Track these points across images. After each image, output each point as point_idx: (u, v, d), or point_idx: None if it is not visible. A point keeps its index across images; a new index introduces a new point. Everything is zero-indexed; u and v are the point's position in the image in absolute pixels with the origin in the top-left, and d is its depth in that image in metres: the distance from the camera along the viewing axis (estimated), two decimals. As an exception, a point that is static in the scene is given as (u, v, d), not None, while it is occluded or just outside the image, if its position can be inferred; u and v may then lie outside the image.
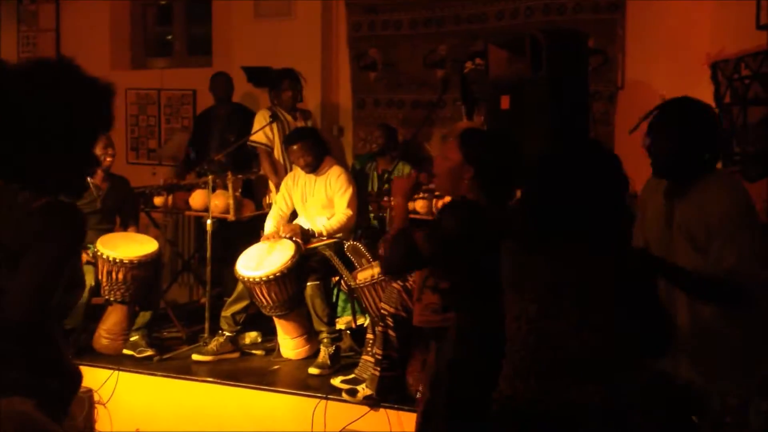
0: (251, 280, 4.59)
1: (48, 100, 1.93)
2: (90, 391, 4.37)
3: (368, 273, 4.41)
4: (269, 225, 5.03)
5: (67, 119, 1.95)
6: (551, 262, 2.14)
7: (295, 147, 4.91)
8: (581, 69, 4.25)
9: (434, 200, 4.84)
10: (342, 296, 5.22)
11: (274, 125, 5.55)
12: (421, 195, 4.96)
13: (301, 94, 5.66)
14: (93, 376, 4.43)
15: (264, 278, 4.55)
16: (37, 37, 7.87)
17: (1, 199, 1.96)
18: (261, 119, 5.59)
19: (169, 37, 7.78)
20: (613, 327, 2.09)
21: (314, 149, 4.91)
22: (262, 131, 5.52)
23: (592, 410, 2.07)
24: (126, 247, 4.81)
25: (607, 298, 2.09)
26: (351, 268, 4.61)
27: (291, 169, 5.26)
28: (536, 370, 2.11)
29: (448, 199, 4.62)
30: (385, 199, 4.83)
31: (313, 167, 4.93)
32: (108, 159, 4.99)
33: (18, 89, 1.94)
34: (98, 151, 4.66)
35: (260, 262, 4.67)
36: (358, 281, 4.44)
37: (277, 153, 5.62)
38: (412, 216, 4.90)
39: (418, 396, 3.48)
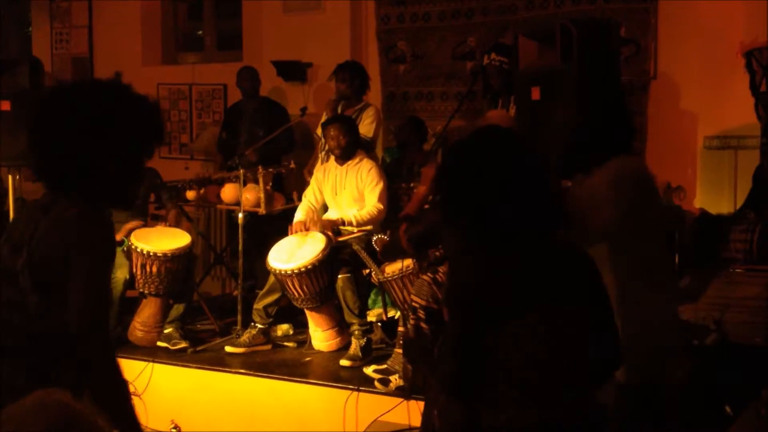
0: (283, 272, 4.62)
1: (99, 114, 2.02)
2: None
3: (396, 266, 4.42)
4: (298, 216, 5.05)
5: (118, 133, 2.03)
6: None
7: (331, 127, 4.94)
8: (613, 59, 4.21)
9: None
10: (373, 288, 5.23)
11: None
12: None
13: (356, 87, 5.56)
14: (128, 368, 4.48)
15: (295, 271, 4.57)
16: (70, 34, 7.98)
17: (31, 215, 2.05)
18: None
19: (200, 32, 7.84)
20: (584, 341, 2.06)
21: (349, 135, 4.93)
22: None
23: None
24: (159, 240, 4.87)
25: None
26: (380, 261, 4.62)
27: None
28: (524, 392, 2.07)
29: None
30: (415, 191, 4.83)
31: (345, 153, 4.94)
32: None
33: (73, 104, 2.03)
34: None
35: (291, 254, 4.70)
36: (386, 274, 4.45)
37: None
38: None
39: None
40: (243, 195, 5.14)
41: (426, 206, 3.86)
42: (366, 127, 5.42)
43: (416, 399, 3.94)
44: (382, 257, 4.53)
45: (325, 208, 5.17)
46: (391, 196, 5.05)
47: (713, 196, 5.17)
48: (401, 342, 4.25)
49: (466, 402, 2.04)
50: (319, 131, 5.54)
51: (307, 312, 4.84)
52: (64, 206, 2.01)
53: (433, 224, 2.59)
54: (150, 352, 4.74)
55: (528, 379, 2.00)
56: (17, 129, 4.93)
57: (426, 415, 2.87)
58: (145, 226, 5.11)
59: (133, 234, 4.85)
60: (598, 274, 2.14)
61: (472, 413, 2.01)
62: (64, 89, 2.12)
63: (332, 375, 4.43)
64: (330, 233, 4.81)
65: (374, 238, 4.67)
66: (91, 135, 2.00)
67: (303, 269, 4.58)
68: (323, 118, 5.51)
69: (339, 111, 5.50)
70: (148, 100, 2.14)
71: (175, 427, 4.46)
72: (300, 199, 5.26)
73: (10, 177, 5.16)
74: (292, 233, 4.90)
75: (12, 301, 2.00)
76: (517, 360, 2.00)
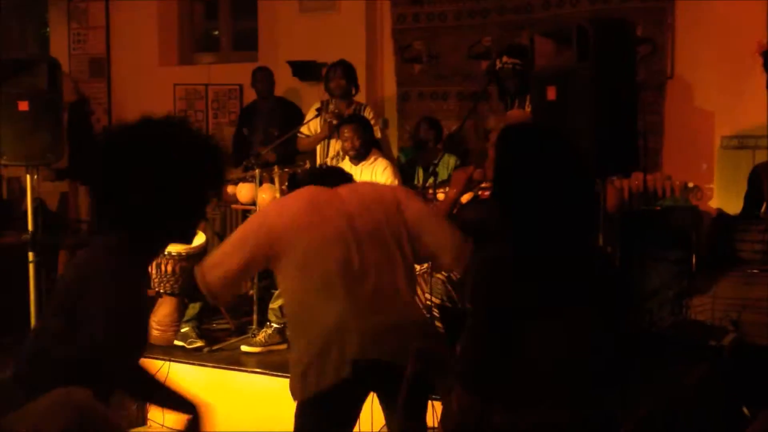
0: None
1: (170, 155, 2.03)
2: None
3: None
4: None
5: (182, 174, 2.04)
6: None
7: (346, 128, 4.96)
8: (629, 58, 4.19)
9: (480, 192, 4.82)
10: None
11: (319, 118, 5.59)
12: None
13: (352, 85, 5.62)
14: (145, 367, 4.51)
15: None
16: (87, 35, 8.03)
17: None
18: (312, 112, 5.64)
19: (216, 32, 7.87)
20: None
21: (364, 135, 4.94)
22: (307, 124, 5.57)
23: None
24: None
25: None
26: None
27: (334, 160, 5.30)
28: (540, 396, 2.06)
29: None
30: (431, 191, 4.83)
31: (360, 154, 4.95)
32: None
33: (140, 148, 2.03)
34: None
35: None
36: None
37: (319, 146, 5.66)
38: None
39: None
40: (259, 195, 5.15)
41: (455, 210, 3.85)
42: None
43: (433, 399, 3.93)
44: None
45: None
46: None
47: (730, 196, 5.14)
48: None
49: (482, 399, 2.04)
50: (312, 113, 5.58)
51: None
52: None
53: (473, 222, 2.59)
54: (166, 351, 4.76)
55: (545, 379, 2.00)
56: (35, 129, 4.98)
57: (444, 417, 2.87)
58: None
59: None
60: (622, 278, 2.13)
61: (486, 411, 2.01)
62: (127, 131, 2.10)
63: (348, 374, 4.42)
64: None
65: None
66: (163, 179, 2.02)
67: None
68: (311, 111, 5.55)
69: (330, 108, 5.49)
70: (210, 141, 2.16)
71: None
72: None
73: (28, 177, 5.18)
74: None
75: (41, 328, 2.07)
76: (536, 360, 2.00)
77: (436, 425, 3.82)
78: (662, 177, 4.83)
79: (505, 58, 5.05)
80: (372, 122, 5.42)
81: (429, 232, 2.72)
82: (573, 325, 2.01)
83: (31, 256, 5.08)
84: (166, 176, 2.02)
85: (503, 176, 2.13)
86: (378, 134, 5.46)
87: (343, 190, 2.79)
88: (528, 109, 4.77)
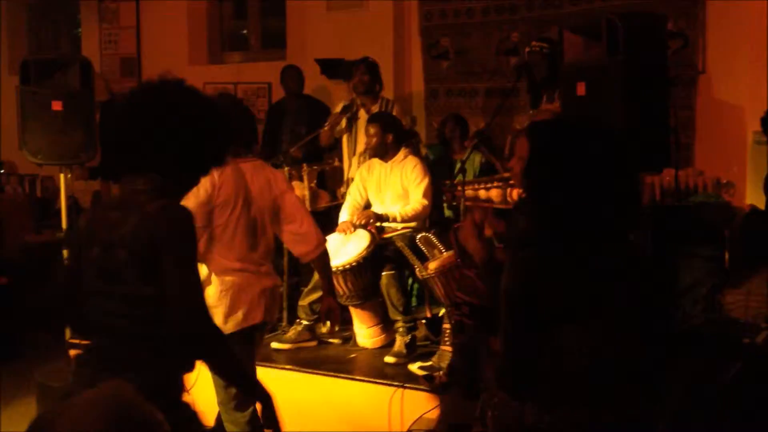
0: (327, 269, 4.65)
1: (190, 113, 2.23)
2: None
3: (440, 262, 4.42)
4: (344, 215, 5.08)
5: (204, 128, 2.24)
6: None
7: (371, 126, 4.95)
8: (660, 53, 4.16)
9: (508, 189, 4.81)
10: (417, 286, 5.24)
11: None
12: (494, 184, 4.94)
13: (376, 82, 5.63)
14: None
15: (340, 268, 4.60)
16: (118, 35, 8.13)
17: (112, 215, 2.20)
18: (335, 112, 5.66)
19: (245, 31, 7.92)
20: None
21: (391, 133, 4.93)
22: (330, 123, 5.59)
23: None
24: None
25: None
26: (423, 259, 4.62)
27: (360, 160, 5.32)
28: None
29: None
30: (459, 189, 4.82)
31: (384, 152, 4.94)
32: None
33: (161, 102, 2.22)
34: None
35: (336, 252, 4.72)
36: (429, 271, 4.45)
37: (345, 142, 5.68)
38: (487, 205, 4.89)
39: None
40: (288, 192, 5.17)
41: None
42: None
43: (461, 396, 3.94)
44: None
45: (369, 206, 5.19)
46: (435, 193, 5.05)
47: (762, 192, 5.07)
48: (445, 339, 4.25)
49: (518, 399, 2.03)
50: (338, 108, 5.60)
51: (351, 309, 4.86)
52: (146, 201, 2.15)
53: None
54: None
55: (581, 380, 1.99)
56: (69, 128, 5.05)
57: (482, 415, 2.87)
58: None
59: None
60: (659, 278, 2.11)
61: (522, 411, 2.01)
62: (149, 89, 2.27)
63: (377, 372, 4.45)
64: (374, 230, 4.82)
65: (418, 236, 4.67)
66: (179, 128, 2.19)
67: (347, 266, 4.61)
68: (338, 108, 5.57)
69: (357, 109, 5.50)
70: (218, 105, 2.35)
71: None
72: (344, 197, 5.29)
73: (62, 176, 5.26)
74: (338, 232, 4.93)
75: (125, 294, 2.13)
76: (569, 361, 1.98)
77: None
78: (694, 173, 4.78)
79: (533, 43, 5.05)
80: (402, 120, 5.44)
81: None
82: (609, 325, 1.98)
83: (65, 253, 5.15)
84: (188, 124, 2.20)
85: (536, 173, 2.10)
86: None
87: None
88: (557, 104, 4.75)
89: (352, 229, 4.87)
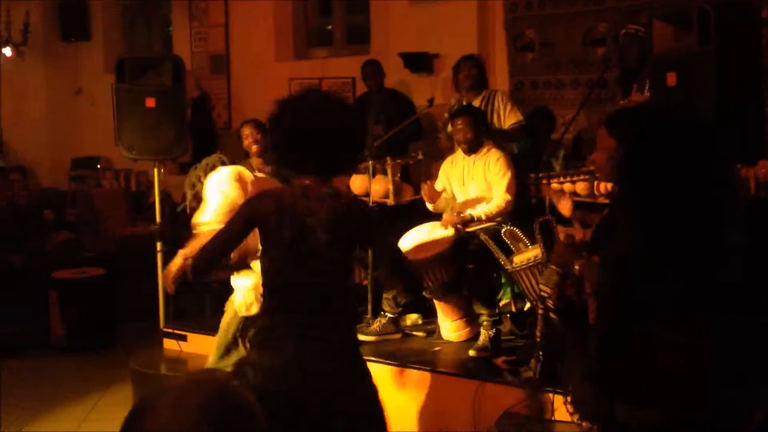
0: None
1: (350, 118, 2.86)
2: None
3: (525, 256, 4.39)
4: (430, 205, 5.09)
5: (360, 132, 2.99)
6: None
7: (458, 121, 4.95)
8: (754, 42, 4.02)
9: (595, 182, 4.73)
10: (503, 280, 5.22)
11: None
12: (581, 177, 4.87)
13: (478, 77, 5.52)
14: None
15: (424, 261, 4.62)
16: (207, 33, 8.34)
17: (304, 203, 2.73)
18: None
19: (329, 27, 8.01)
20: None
21: (476, 127, 4.91)
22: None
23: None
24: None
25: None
26: (508, 252, 4.59)
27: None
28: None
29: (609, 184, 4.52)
30: (545, 182, 4.78)
31: (471, 146, 4.93)
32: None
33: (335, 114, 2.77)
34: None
35: (420, 245, 4.74)
36: (514, 265, 4.43)
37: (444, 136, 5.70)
38: (573, 199, 4.82)
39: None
40: (372, 186, 5.22)
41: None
42: (512, 114, 5.41)
43: (546, 391, 3.91)
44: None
45: (453, 199, 5.19)
46: (520, 187, 5.02)
47: None
48: (530, 333, 4.22)
49: (608, 396, 2.00)
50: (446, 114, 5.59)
51: (435, 302, 4.88)
52: (328, 194, 2.73)
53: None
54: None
55: (672, 378, 1.95)
56: (162, 124, 5.22)
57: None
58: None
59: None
60: (754, 277, 2.05)
61: (612, 408, 1.98)
62: (332, 100, 2.86)
63: (461, 365, 4.45)
64: (459, 225, 4.82)
65: (503, 229, 4.65)
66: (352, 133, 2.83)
67: (432, 260, 4.62)
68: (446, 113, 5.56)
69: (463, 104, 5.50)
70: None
71: None
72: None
73: (156, 170, 5.44)
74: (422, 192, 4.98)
75: (323, 270, 2.71)
76: (664, 358, 1.94)
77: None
78: (791, 165, 4.60)
79: (629, 25, 4.97)
80: (510, 107, 5.41)
81: None
82: (702, 324, 1.94)
83: (159, 245, 5.34)
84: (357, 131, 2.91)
85: (629, 166, 2.04)
86: (519, 116, 5.44)
87: None
88: (647, 95, 4.65)
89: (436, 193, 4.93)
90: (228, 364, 3.97)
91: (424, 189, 4.96)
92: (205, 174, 4.08)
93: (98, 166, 8.79)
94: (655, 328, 1.94)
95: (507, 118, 5.38)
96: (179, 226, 4.67)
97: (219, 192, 3.75)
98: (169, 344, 5.29)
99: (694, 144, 1.98)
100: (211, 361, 4.07)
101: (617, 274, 2.00)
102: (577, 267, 3.27)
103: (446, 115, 5.64)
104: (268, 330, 2.75)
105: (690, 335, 1.94)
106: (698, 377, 1.95)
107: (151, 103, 5.19)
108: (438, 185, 5.15)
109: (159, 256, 5.33)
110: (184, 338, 5.21)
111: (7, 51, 7.90)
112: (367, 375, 2.87)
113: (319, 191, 2.72)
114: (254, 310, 3.83)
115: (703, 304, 1.95)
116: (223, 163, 4.19)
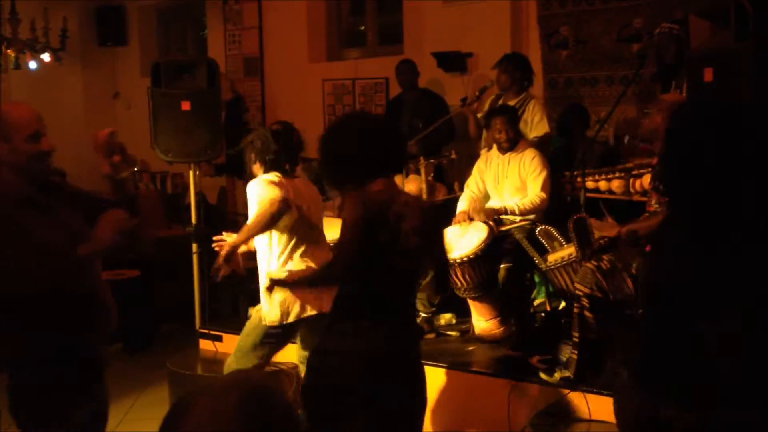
0: (445, 262, 4.66)
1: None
2: (296, 367, 4.63)
3: (559, 255, 4.36)
4: (461, 206, 5.08)
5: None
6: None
7: (497, 120, 4.93)
8: (794, 36, 3.95)
9: (631, 180, 4.69)
10: (536, 279, 5.19)
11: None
12: (616, 175, 4.82)
13: (524, 78, 5.50)
14: (291, 355, 4.68)
15: (458, 260, 4.61)
16: (241, 35, 8.40)
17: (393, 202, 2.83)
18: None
19: (362, 27, 8.03)
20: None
21: (513, 126, 4.89)
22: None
23: None
24: (325, 230, 5.04)
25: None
26: (543, 252, 4.57)
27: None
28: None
29: (646, 179, 4.47)
30: (579, 180, 4.74)
31: (508, 145, 4.91)
32: None
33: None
34: None
35: (454, 244, 4.74)
36: (549, 263, 4.40)
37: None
38: (607, 197, 4.78)
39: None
40: (405, 186, 5.21)
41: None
42: (539, 125, 5.33)
43: (582, 391, 3.88)
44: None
45: (487, 198, 5.17)
46: (555, 186, 4.98)
47: None
48: (565, 332, 4.18)
49: (655, 396, 1.97)
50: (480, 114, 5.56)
51: (469, 301, 4.86)
52: (408, 200, 2.83)
53: None
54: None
55: (725, 379, 1.91)
56: (197, 127, 5.27)
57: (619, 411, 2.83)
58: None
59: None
60: None
61: (659, 409, 1.95)
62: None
63: (496, 364, 4.43)
64: (492, 223, 4.80)
65: (538, 229, 4.62)
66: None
67: (466, 259, 4.61)
68: (486, 105, 5.52)
69: (500, 102, 5.47)
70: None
71: None
72: (461, 189, 5.28)
73: (191, 172, 5.50)
74: (455, 223, 4.94)
75: (411, 269, 2.85)
76: (715, 360, 1.91)
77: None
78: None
79: (663, 24, 4.90)
80: (539, 117, 5.33)
81: None
82: (753, 324, 1.90)
83: (194, 247, 5.39)
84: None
85: (678, 165, 1.99)
86: (546, 128, 5.35)
87: None
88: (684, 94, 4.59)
89: (468, 220, 4.87)
90: (243, 368, 3.98)
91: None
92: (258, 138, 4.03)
93: (136, 169, 8.90)
94: (703, 327, 1.91)
95: (534, 129, 5.31)
96: (214, 227, 4.71)
97: (257, 199, 3.86)
98: (204, 345, 5.34)
99: (741, 134, 1.93)
100: (228, 363, 4.09)
101: (662, 273, 1.97)
102: (634, 265, 3.26)
103: (477, 93, 5.59)
104: (355, 326, 2.82)
105: (738, 337, 1.90)
106: (748, 379, 1.91)
107: (186, 106, 5.24)
108: (471, 183, 5.14)
109: (195, 256, 5.39)
110: (219, 339, 5.26)
111: (46, 56, 8.03)
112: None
113: (401, 196, 2.82)
114: (276, 320, 3.90)
115: (752, 305, 1.90)
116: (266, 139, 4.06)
